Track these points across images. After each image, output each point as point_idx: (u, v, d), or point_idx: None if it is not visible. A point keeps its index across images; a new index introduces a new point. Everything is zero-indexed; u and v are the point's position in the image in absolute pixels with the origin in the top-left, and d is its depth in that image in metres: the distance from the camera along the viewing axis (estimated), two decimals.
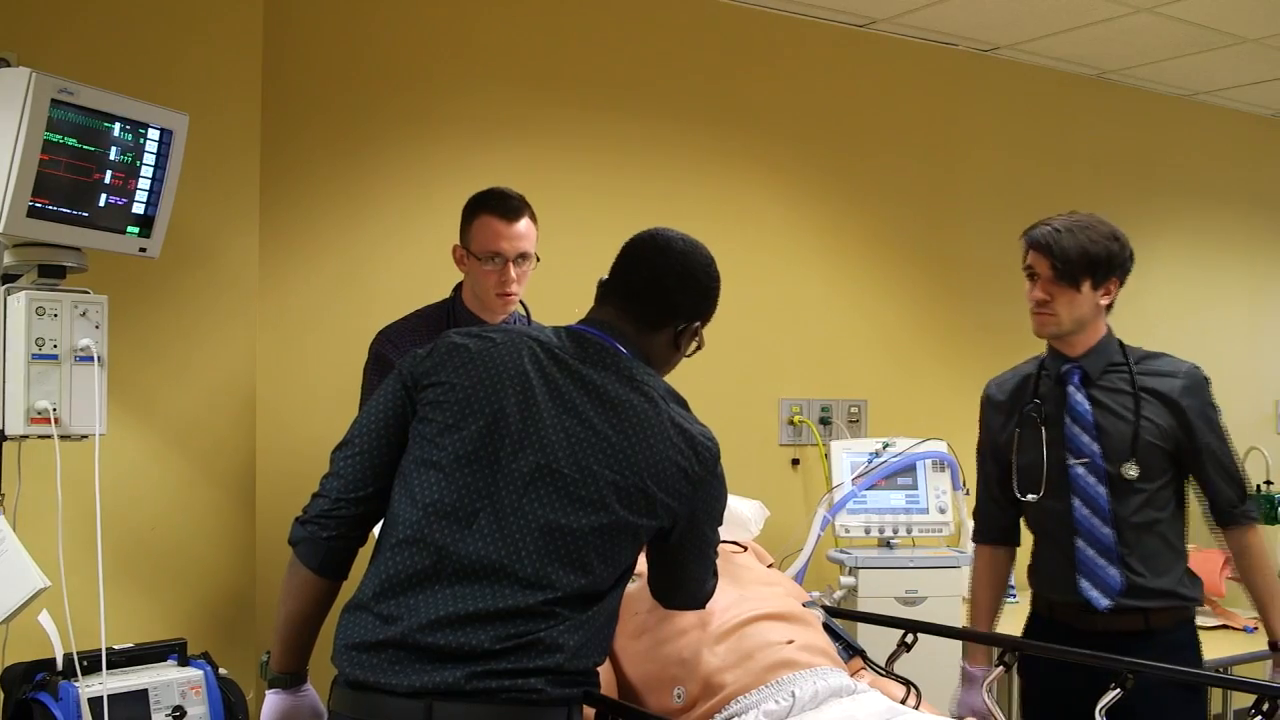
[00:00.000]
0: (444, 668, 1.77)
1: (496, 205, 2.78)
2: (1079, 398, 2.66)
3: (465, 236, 2.82)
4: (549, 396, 1.92)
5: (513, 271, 2.77)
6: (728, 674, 2.25)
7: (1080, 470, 2.62)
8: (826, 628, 2.55)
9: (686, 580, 2.14)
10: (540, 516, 1.85)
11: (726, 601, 2.38)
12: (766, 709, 2.18)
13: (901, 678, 2.52)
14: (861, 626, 3.31)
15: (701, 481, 1.99)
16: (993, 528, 2.87)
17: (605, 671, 2.31)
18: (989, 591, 2.89)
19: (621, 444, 1.91)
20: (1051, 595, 2.74)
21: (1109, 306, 2.69)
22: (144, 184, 2.39)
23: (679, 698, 2.27)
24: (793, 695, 2.20)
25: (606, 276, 2.10)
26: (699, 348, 2.14)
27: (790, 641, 2.32)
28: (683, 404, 2.05)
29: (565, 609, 1.84)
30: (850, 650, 2.57)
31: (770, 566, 2.80)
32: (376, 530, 2.00)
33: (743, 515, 2.91)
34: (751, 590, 2.50)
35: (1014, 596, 4.20)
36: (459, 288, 2.93)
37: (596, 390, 1.94)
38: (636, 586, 2.44)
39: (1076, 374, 2.68)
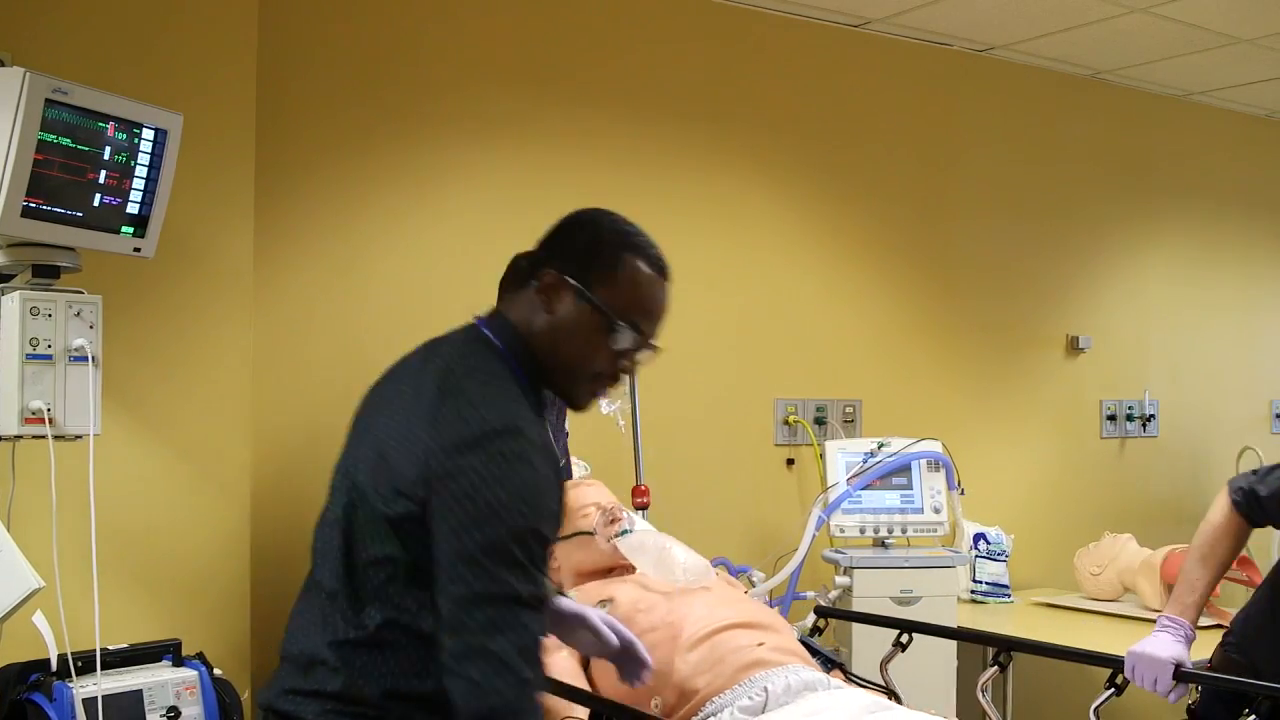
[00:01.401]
0: (278, 677, 1.72)
1: None
2: None
3: None
4: (362, 410, 1.79)
5: None
6: (700, 679, 2.33)
7: None
8: (805, 645, 2.60)
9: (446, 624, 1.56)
10: (327, 519, 1.73)
11: (698, 613, 2.47)
12: (740, 705, 2.26)
13: (884, 686, 2.55)
14: (856, 627, 3.32)
15: (433, 457, 1.56)
16: (1259, 509, 2.49)
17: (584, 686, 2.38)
18: (1229, 555, 2.51)
19: (372, 417, 1.72)
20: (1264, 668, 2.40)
21: None
22: (138, 184, 2.39)
23: (656, 707, 2.34)
24: (765, 690, 2.26)
25: None
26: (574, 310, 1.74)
27: (760, 644, 2.39)
28: (490, 382, 1.67)
29: (337, 617, 1.64)
30: (829, 664, 2.62)
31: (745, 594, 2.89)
32: None
33: (674, 560, 2.72)
34: (721, 596, 2.59)
35: (1008, 596, 4.21)
36: None
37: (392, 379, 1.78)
38: (610, 608, 2.52)
39: None
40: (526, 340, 1.74)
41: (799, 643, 2.56)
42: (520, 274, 1.79)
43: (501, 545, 1.53)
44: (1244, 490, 2.51)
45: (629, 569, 2.78)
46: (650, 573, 2.66)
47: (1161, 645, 2.35)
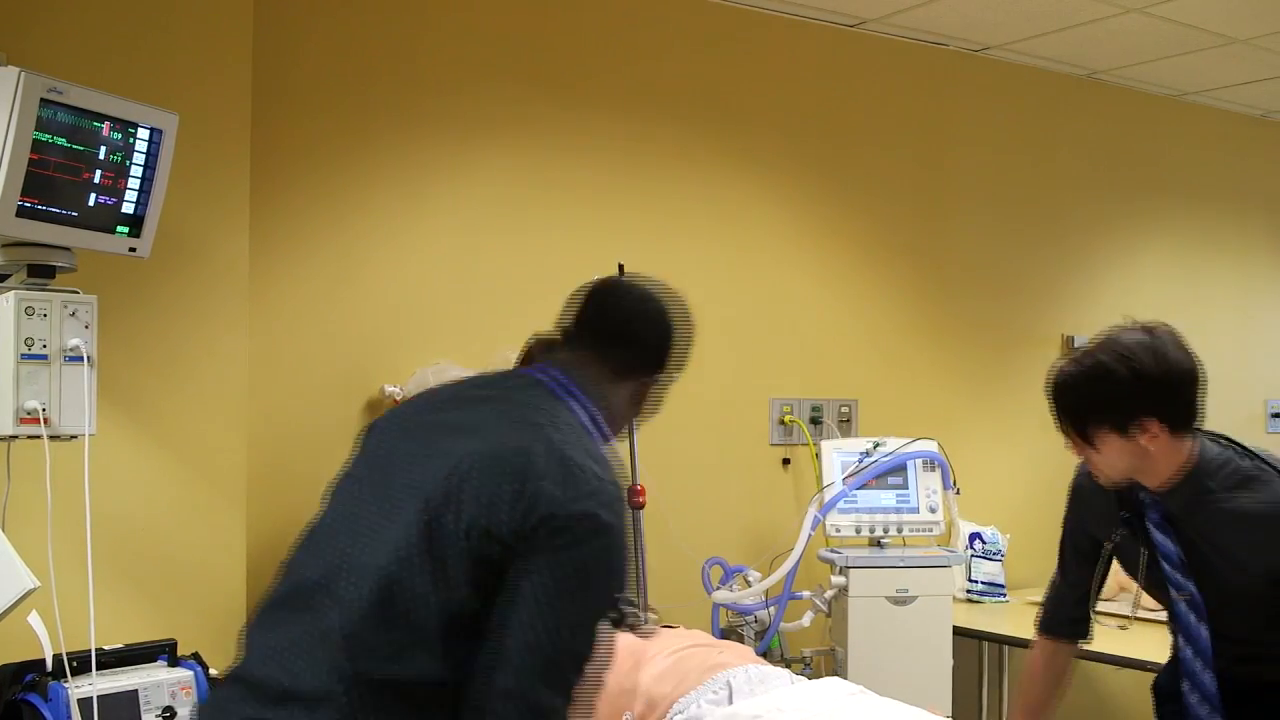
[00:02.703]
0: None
1: None
2: (1161, 537, 2.24)
3: None
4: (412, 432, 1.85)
5: None
6: (665, 685, 2.43)
7: (1183, 607, 2.23)
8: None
9: None
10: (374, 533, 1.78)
11: (662, 641, 2.61)
12: (706, 699, 2.35)
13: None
14: (851, 628, 3.32)
15: (549, 504, 1.57)
16: (1060, 619, 2.50)
17: None
18: (1044, 689, 2.48)
19: (438, 440, 1.72)
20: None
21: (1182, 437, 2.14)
22: (134, 183, 2.39)
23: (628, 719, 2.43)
24: (728, 684, 2.32)
25: (569, 321, 1.90)
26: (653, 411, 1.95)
27: (721, 653, 2.54)
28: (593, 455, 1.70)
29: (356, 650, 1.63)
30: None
31: None
32: None
33: None
34: (682, 633, 2.75)
35: (1004, 596, 4.21)
36: None
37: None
38: None
39: (1156, 512, 2.25)
40: (607, 414, 1.83)
41: (761, 658, 2.72)
42: (615, 363, 1.85)
43: (598, 615, 1.61)
44: (1039, 615, 2.53)
45: None
46: None
47: None
